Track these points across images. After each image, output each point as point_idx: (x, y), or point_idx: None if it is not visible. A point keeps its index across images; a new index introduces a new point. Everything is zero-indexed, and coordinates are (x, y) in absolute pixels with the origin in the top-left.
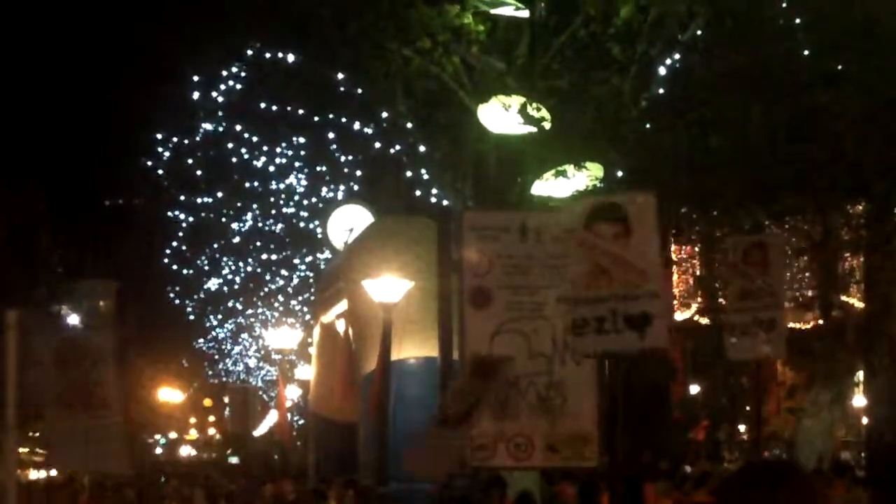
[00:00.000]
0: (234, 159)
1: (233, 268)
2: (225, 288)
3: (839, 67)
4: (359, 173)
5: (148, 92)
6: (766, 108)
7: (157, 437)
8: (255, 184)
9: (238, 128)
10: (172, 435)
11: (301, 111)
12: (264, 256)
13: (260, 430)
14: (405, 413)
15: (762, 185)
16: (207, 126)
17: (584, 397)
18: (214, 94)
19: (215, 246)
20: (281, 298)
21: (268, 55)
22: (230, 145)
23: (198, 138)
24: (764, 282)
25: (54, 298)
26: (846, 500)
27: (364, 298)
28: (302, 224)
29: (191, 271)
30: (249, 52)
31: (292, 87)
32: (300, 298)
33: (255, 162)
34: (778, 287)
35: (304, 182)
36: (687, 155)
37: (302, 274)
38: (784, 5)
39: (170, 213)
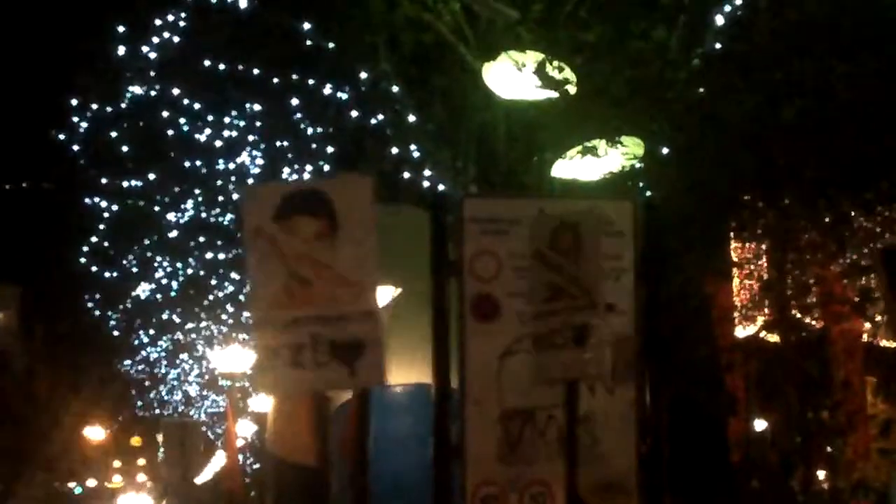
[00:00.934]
0: (170, 132)
1: (168, 270)
2: (158, 295)
3: None
4: (330, 150)
5: (59, 47)
6: (854, 68)
7: (72, 485)
8: (198, 163)
9: (175, 92)
10: (90, 483)
11: (256, 70)
12: (209, 255)
13: (203, 477)
14: (388, 455)
15: (848, 165)
16: (136, 90)
17: (619, 436)
18: (145, 48)
19: (146, 242)
20: (231, 309)
21: None
22: (165, 114)
23: (123, 105)
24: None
25: None
26: None
27: None
28: None
29: (115, 274)
30: None
31: (244, 40)
32: None
33: (197, 135)
34: (592, 282)
35: (259, 161)
36: (751, 127)
37: None
38: None
39: (88, 201)
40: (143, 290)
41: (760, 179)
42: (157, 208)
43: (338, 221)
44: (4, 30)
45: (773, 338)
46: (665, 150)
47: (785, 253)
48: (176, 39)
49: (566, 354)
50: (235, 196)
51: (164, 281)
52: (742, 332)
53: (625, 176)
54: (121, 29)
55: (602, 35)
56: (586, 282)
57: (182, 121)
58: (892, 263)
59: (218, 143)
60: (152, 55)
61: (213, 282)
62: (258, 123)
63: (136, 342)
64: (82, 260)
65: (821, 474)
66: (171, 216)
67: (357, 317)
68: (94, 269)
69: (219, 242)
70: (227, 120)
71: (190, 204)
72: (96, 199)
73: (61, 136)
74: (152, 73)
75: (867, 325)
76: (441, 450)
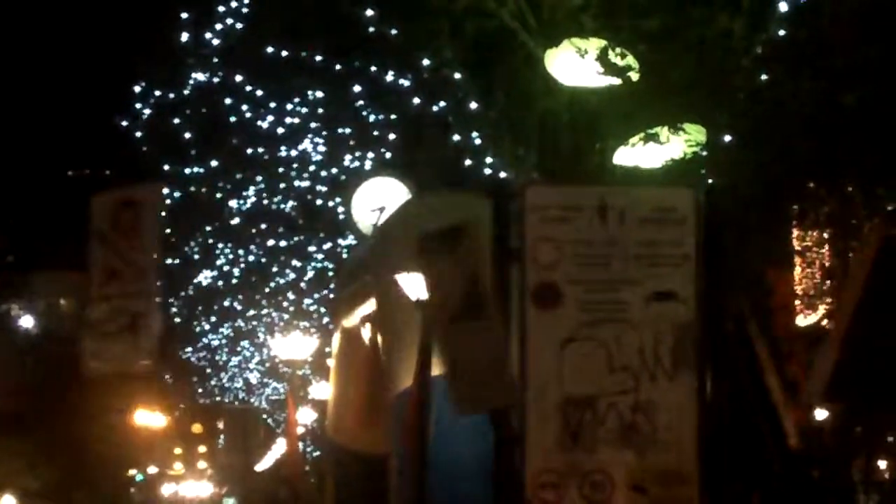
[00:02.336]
0: (232, 119)
1: (230, 257)
2: (220, 282)
3: None
4: (392, 137)
5: (122, 34)
6: None
7: (133, 472)
8: (260, 150)
9: (238, 79)
10: (152, 469)
11: (319, 57)
12: (271, 242)
13: (264, 464)
14: (449, 442)
15: None
16: (199, 76)
17: (680, 423)
18: (208, 35)
19: (208, 229)
20: (291, 296)
21: None
22: (228, 101)
23: (186, 92)
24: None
25: (1, 295)
26: None
27: (398, 297)
28: (319, 202)
29: (176, 261)
30: None
31: (307, 26)
32: (316, 297)
33: (259, 122)
34: (149, 263)
35: (321, 148)
36: (814, 114)
37: (319, 265)
38: None
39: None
40: (204, 276)
41: (823, 167)
42: (218, 195)
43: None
44: (70, 17)
45: None
46: (727, 138)
47: (847, 241)
48: (239, 26)
49: None
50: (297, 183)
51: (226, 268)
52: (804, 320)
53: (687, 163)
54: (184, 15)
55: (664, 22)
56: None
57: (244, 108)
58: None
59: (280, 130)
60: (215, 42)
61: (275, 269)
62: (320, 110)
63: (197, 329)
64: None
65: (882, 464)
66: (232, 203)
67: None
68: (155, 255)
69: (280, 229)
70: (289, 107)
71: (252, 191)
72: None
73: (125, 123)
74: (215, 60)
75: None
76: (502, 437)
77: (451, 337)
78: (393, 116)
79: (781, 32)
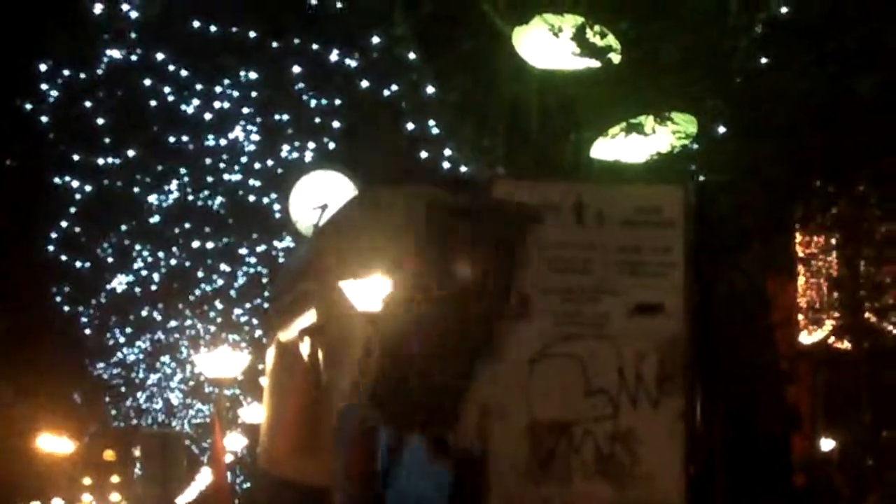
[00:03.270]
0: (152, 102)
1: (149, 260)
2: (137, 289)
3: None
4: (336, 125)
5: (25, 3)
6: None
7: None
8: (184, 139)
9: (159, 56)
10: (57, 502)
11: (252, 33)
12: (196, 244)
13: (186, 497)
14: (402, 476)
15: None
16: (114, 54)
17: (664, 454)
18: (124, 6)
19: (124, 228)
20: (219, 306)
21: None
22: (147, 82)
23: (100, 72)
24: None
25: None
26: None
27: (341, 307)
28: (252, 198)
29: (87, 264)
30: None
31: None
32: (248, 306)
33: (183, 106)
34: None
35: (255, 137)
36: (821, 103)
37: (251, 270)
38: None
39: (58, 180)
40: (119, 282)
41: (831, 163)
42: (136, 189)
43: None
44: None
45: (844, 344)
46: (722, 129)
47: (858, 247)
48: None
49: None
50: (227, 177)
51: (144, 273)
52: (808, 337)
53: (675, 158)
54: None
55: None
56: None
57: (167, 90)
58: None
59: (207, 117)
60: (133, 14)
61: (200, 274)
62: (253, 94)
63: (111, 342)
64: (50, 248)
65: None
66: (152, 199)
67: None
68: (63, 258)
69: (207, 229)
70: (217, 90)
71: (174, 185)
72: (67, 178)
73: (28, 106)
74: (133, 35)
75: None
76: (461, 467)
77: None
78: (337, 102)
79: (784, 10)
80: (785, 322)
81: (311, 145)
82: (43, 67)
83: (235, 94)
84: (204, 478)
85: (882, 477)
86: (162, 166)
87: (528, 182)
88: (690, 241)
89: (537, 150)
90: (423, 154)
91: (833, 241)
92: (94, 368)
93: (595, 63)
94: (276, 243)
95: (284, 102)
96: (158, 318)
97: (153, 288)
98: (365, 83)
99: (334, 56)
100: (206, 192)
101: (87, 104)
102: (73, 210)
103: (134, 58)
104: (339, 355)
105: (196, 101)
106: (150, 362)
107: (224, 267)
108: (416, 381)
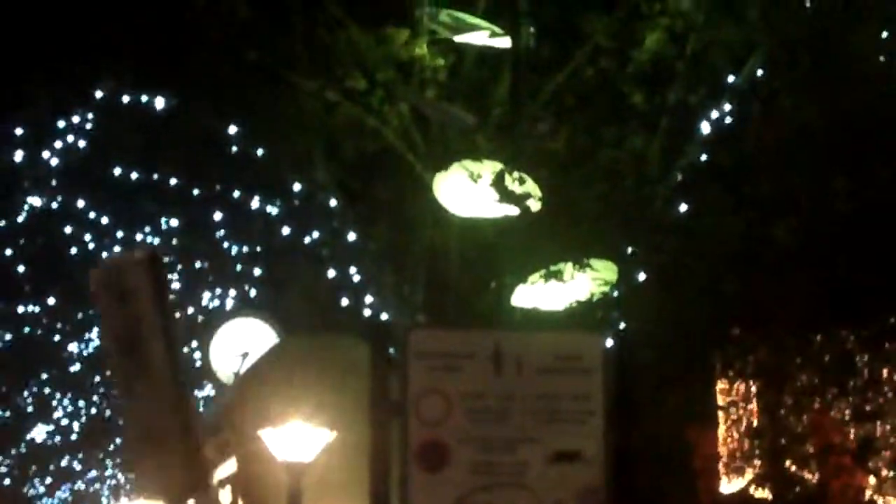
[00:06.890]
0: (73, 250)
1: (69, 409)
2: (57, 438)
3: None
4: (257, 272)
5: None
6: (855, 183)
7: None
8: None
9: (80, 204)
10: None
11: (174, 180)
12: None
13: None
14: None
15: (850, 294)
16: (34, 201)
17: None
18: (46, 153)
19: (44, 377)
20: None
21: (126, 97)
22: (68, 229)
23: (20, 219)
24: None
25: None
26: None
27: (261, 456)
28: None
29: (6, 413)
30: (99, 93)
31: (160, 145)
32: None
33: (104, 254)
34: None
35: (175, 285)
36: (739, 249)
37: None
38: (885, 34)
39: None
40: (39, 432)
41: (750, 310)
42: (57, 338)
43: None
44: None
45: (765, 493)
46: (641, 276)
47: (778, 395)
48: (82, 143)
49: None
50: None
51: (64, 422)
52: (728, 486)
53: (595, 305)
54: (18, 131)
55: (570, 143)
56: None
57: (87, 237)
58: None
59: None
60: (54, 161)
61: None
62: (174, 241)
63: (31, 492)
64: None
65: None
66: (72, 347)
67: None
68: None
69: None
70: (138, 237)
71: (95, 333)
72: None
73: None
74: (54, 182)
75: (871, 480)
76: None
77: None
78: (258, 248)
79: (703, 157)
80: (706, 470)
81: (232, 292)
82: None
83: (156, 240)
84: None
85: None
86: (82, 314)
87: (444, 331)
88: (609, 388)
89: (458, 297)
90: (345, 301)
91: (753, 389)
92: None
93: (515, 210)
94: (196, 392)
95: (205, 249)
96: (78, 467)
97: (73, 437)
98: (286, 230)
99: (255, 202)
100: None
101: (8, 252)
102: None
103: (55, 205)
104: None
105: (117, 248)
106: None
107: None
108: None
